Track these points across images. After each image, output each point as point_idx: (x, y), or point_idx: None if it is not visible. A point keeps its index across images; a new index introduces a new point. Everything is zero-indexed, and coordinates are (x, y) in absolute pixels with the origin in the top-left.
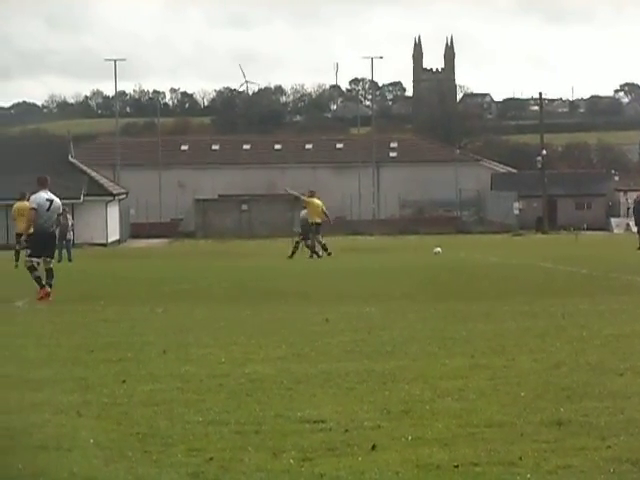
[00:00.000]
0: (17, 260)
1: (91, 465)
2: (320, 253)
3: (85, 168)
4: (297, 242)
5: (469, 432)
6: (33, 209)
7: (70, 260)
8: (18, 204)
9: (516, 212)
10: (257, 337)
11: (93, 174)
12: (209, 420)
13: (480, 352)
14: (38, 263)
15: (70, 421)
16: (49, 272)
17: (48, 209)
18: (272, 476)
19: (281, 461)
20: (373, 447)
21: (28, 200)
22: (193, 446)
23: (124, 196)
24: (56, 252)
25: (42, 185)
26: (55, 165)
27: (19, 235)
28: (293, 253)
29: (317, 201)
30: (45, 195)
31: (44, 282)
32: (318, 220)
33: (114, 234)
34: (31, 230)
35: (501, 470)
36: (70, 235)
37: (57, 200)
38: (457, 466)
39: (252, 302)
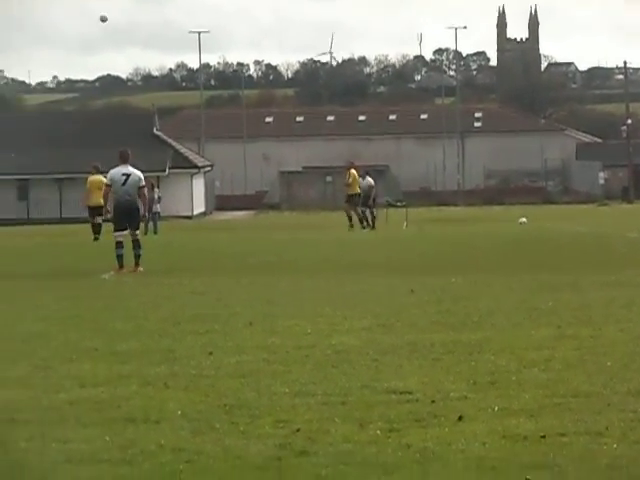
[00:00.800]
0: (96, 233)
1: (179, 437)
2: (352, 224)
3: (170, 141)
4: (370, 212)
5: (556, 402)
6: (107, 185)
7: (156, 233)
8: (91, 178)
9: (601, 182)
10: (342, 308)
11: (178, 147)
12: (296, 391)
13: (566, 322)
14: (122, 236)
15: (158, 393)
16: (135, 243)
17: (124, 184)
18: (359, 447)
19: (368, 432)
20: (460, 418)
21: (101, 173)
22: (280, 417)
23: (209, 168)
24: (142, 225)
25: (123, 159)
26: (140, 138)
27: (92, 208)
28: (373, 224)
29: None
30: (122, 170)
31: (133, 253)
32: (359, 191)
33: (199, 206)
34: (109, 206)
35: (588, 440)
36: (157, 208)
37: (136, 173)
38: (544, 436)
39: (337, 274)
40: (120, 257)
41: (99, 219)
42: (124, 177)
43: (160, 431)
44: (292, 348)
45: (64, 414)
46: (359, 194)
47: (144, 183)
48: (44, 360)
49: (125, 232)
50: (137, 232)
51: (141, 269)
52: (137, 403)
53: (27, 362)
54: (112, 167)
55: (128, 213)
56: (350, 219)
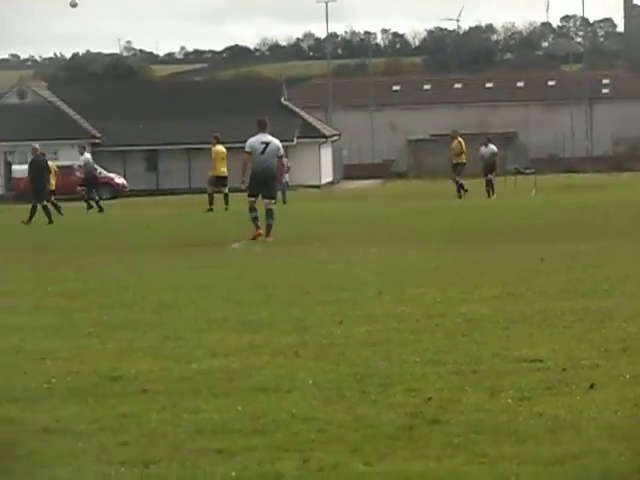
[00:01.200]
0: (211, 204)
1: (310, 406)
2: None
3: (298, 110)
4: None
5: None
6: (247, 153)
7: (285, 202)
8: (214, 148)
9: None
10: (472, 277)
11: (306, 116)
12: (426, 360)
13: None
14: (255, 202)
15: (289, 362)
16: (268, 212)
17: (263, 152)
18: (490, 415)
19: (499, 400)
20: (591, 386)
21: (221, 143)
22: (411, 386)
23: (337, 138)
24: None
25: (261, 128)
26: (268, 108)
27: (216, 177)
28: (493, 191)
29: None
30: (261, 138)
31: (263, 222)
32: (465, 160)
33: (327, 176)
34: (247, 172)
35: None
36: (286, 177)
37: (275, 142)
38: None
39: (465, 242)
40: (255, 219)
41: (225, 189)
42: (263, 145)
43: (291, 400)
44: (422, 317)
45: (195, 384)
46: (464, 163)
47: (283, 152)
48: (175, 330)
49: (257, 198)
50: (272, 201)
51: (270, 239)
52: (268, 372)
53: (158, 333)
54: (247, 137)
55: (264, 181)
56: (462, 187)
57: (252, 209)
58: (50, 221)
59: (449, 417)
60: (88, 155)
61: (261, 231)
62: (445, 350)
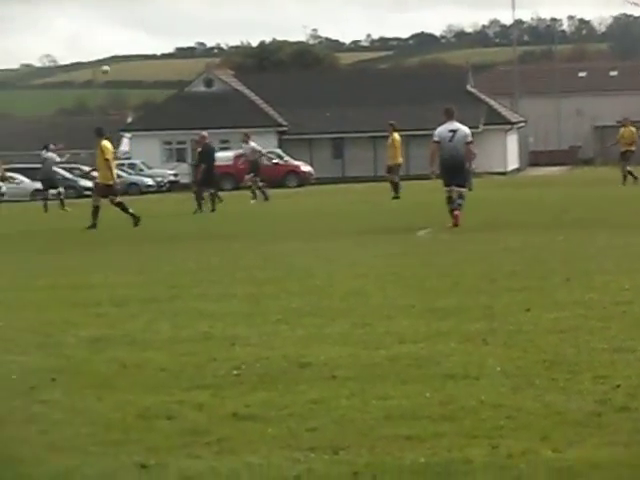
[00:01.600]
0: (397, 192)
1: (499, 393)
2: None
3: (484, 97)
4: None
5: None
6: (435, 142)
7: (470, 189)
8: (392, 136)
9: None
10: None
11: (492, 103)
12: (614, 347)
13: None
14: (451, 191)
15: (476, 349)
16: (459, 197)
17: (451, 140)
18: None
19: None
20: None
21: (397, 131)
22: (599, 373)
23: (523, 124)
24: None
25: (448, 116)
26: (453, 95)
27: (397, 165)
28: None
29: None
30: (449, 126)
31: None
32: (631, 148)
33: (513, 162)
34: (436, 162)
35: None
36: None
37: (463, 129)
38: None
39: None
40: (452, 211)
41: (390, 176)
42: (451, 133)
43: (480, 387)
44: (610, 304)
45: (384, 370)
46: (633, 151)
47: (471, 139)
48: (363, 317)
49: (450, 187)
50: (462, 189)
51: (458, 223)
52: (456, 359)
53: (346, 319)
54: (433, 124)
55: (454, 169)
56: (625, 177)
57: (449, 200)
58: (198, 210)
59: (638, 404)
60: (253, 144)
61: (457, 222)
62: (633, 337)
